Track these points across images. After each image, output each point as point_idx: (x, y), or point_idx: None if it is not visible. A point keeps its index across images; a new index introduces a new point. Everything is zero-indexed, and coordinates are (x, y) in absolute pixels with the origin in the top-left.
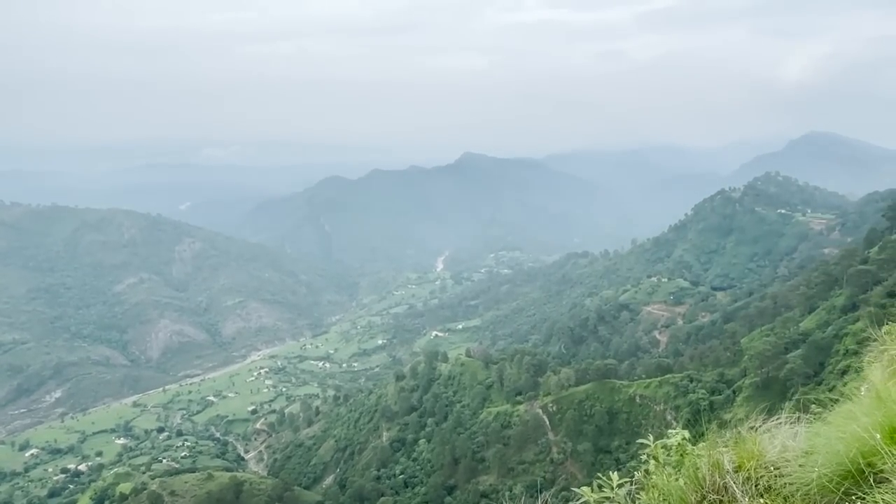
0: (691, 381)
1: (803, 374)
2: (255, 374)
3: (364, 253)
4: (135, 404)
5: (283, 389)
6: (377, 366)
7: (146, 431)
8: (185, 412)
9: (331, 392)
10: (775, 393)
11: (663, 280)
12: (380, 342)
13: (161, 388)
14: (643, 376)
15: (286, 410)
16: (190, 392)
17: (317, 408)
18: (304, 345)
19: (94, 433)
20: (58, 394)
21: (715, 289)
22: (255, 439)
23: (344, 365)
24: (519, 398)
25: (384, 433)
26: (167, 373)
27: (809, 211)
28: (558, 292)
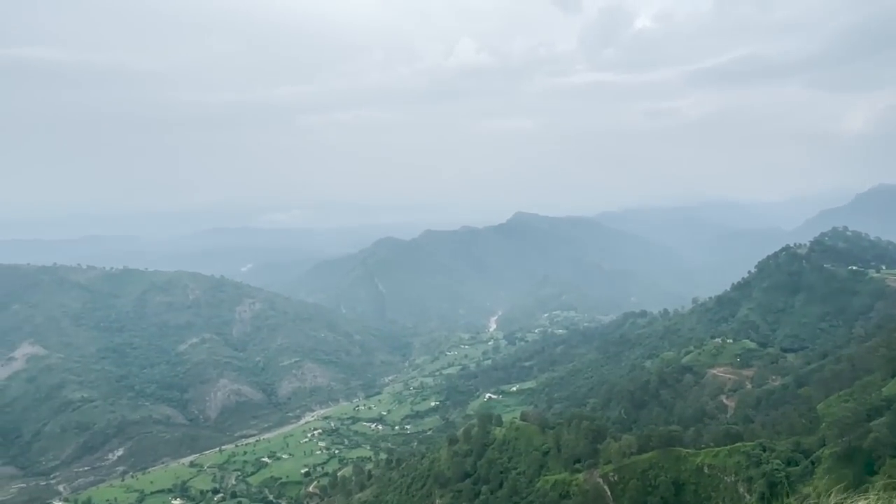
0: (764, 450)
1: (890, 445)
2: (309, 435)
3: (417, 313)
4: (192, 464)
5: (336, 451)
6: (430, 429)
7: (202, 493)
8: (239, 473)
9: (383, 455)
10: (859, 465)
11: (728, 341)
12: (432, 404)
13: (218, 448)
14: (711, 444)
15: (339, 474)
16: (245, 453)
17: (369, 471)
18: (358, 406)
19: (152, 493)
20: (120, 452)
21: (785, 350)
22: (308, 503)
23: (396, 427)
24: (578, 466)
25: (437, 500)
26: (224, 432)
27: (884, 267)
28: (616, 354)
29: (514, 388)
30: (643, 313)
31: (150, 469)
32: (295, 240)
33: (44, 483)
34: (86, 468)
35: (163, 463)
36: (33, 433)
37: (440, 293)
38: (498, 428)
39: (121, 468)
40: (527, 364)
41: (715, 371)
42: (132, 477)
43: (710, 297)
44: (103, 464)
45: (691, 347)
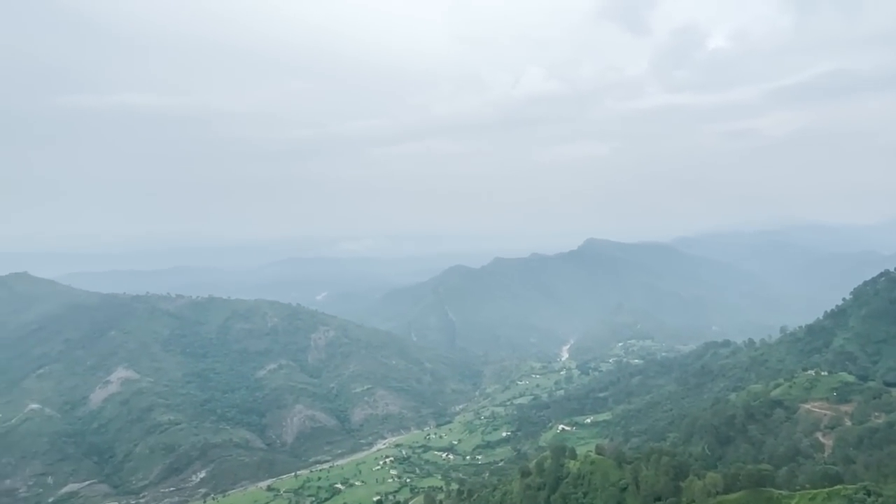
0: (869, 494)
1: None
2: (381, 462)
3: (487, 341)
4: (269, 488)
5: (408, 480)
6: (501, 459)
7: None
8: (314, 499)
9: (454, 485)
10: None
11: (823, 373)
12: (504, 434)
13: (294, 473)
14: (807, 486)
15: (410, 503)
16: (319, 478)
17: (440, 501)
18: (429, 434)
19: None
20: (202, 474)
21: (888, 384)
22: None
23: (468, 457)
24: None
25: None
26: (300, 457)
27: None
28: (697, 385)
29: (589, 420)
30: (726, 343)
31: (229, 492)
32: (367, 268)
33: (133, 502)
34: (171, 489)
35: (241, 486)
36: (125, 453)
37: (510, 321)
38: (572, 461)
39: (203, 490)
40: (601, 395)
41: (809, 406)
42: (213, 499)
43: (801, 326)
44: (187, 485)
45: (781, 380)
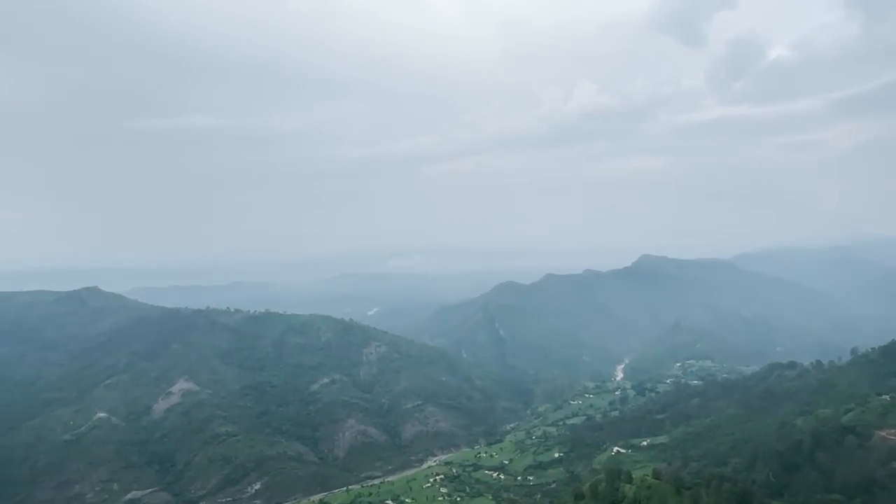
0: None
1: None
2: (431, 480)
3: (538, 359)
4: (321, 502)
5: (458, 499)
6: (553, 481)
7: None
8: None
9: None
10: None
11: None
12: (556, 455)
13: (345, 488)
14: None
15: None
16: (370, 494)
17: None
18: (479, 453)
19: None
20: (257, 486)
21: None
22: None
23: (519, 477)
24: None
25: None
26: (351, 472)
27: None
28: (761, 409)
29: (645, 443)
30: (792, 364)
31: None
32: (418, 284)
33: None
34: (228, 499)
35: (294, 499)
36: (185, 463)
37: (562, 339)
38: (628, 485)
39: (258, 501)
40: (658, 417)
41: (884, 433)
42: None
43: (874, 348)
44: (242, 496)
45: (852, 405)
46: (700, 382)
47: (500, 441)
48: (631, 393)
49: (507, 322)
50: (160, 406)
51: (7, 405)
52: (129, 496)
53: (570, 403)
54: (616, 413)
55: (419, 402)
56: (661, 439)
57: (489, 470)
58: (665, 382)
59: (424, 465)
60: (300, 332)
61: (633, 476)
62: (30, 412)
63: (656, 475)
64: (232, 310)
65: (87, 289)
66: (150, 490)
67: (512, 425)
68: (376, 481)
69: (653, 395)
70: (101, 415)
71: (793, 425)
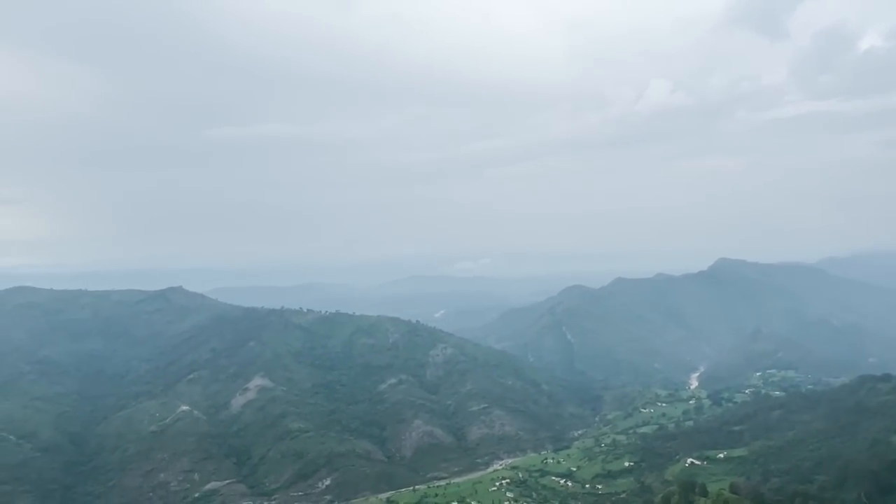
0: None
1: None
2: (497, 484)
3: (607, 365)
4: (388, 500)
5: None
6: (623, 491)
7: None
8: None
9: None
10: None
11: None
12: (626, 464)
13: (411, 487)
14: None
15: None
16: (437, 495)
17: None
18: (546, 458)
19: None
20: (328, 481)
21: None
22: None
23: (587, 486)
24: None
25: None
26: (417, 472)
27: None
28: (851, 424)
29: (721, 455)
30: (887, 377)
31: (352, 501)
32: (484, 287)
33: (266, 503)
34: (299, 493)
35: (363, 496)
36: (260, 457)
37: (633, 345)
38: (703, 498)
39: (328, 497)
40: (736, 428)
41: None
42: None
43: None
44: (314, 491)
45: None
46: (782, 393)
47: (568, 447)
48: (706, 402)
49: (575, 326)
50: (238, 401)
51: (100, 397)
52: (208, 486)
53: (640, 411)
54: (690, 423)
55: (485, 405)
56: (739, 452)
57: (556, 476)
58: (743, 392)
59: (490, 469)
60: (369, 332)
61: (709, 489)
62: (120, 404)
63: (734, 489)
64: (304, 310)
65: (172, 289)
66: (227, 481)
67: (579, 432)
68: (442, 482)
69: (730, 405)
70: (184, 408)
71: (887, 443)
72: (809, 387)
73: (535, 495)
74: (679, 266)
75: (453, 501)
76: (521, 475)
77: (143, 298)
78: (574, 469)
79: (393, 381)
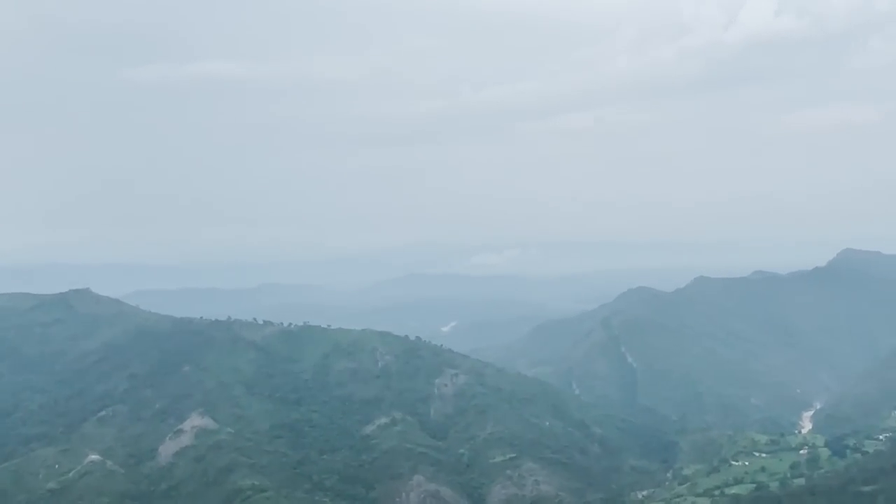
0: None
1: None
2: None
3: (684, 399)
4: None
5: None
6: None
7: None
8: None
9: None
10: None
11: None
12: None
13: None
14: None
15: None
16: None
17: None
18: None
19: None
20: None
21: None
22: None
23: None
24: None
25: None
26: None
27: None
28: None
29: None
30: None
31: None
32: (512, 291)
33: None
34: None
35: None
36: None
37: (720, 371)
38: None
39: None
40: (866, 489)
41: None
42: None
43: None
44: None
45: None
46: None
47: None
48: (824, 453)
49: (638, 345)
50: (167, 448)
51: None
52: None
53: (731, 465)
54: (801, 481)
55: (512, 455)
56: None
57: None
58: (878, 438)
59: None
60: (350, 353)
61: None
62: (4, 451)
63: None
64: (260, 321)
65: (77, 291)
66: None
67: (645, 492)
68: None
69: (858, 456)
70: (94, 457)
71: None
72: None
73: None
74: (786, 260)
75: None
76: None
77: (35, 305)
78: None
79: (383, 420)
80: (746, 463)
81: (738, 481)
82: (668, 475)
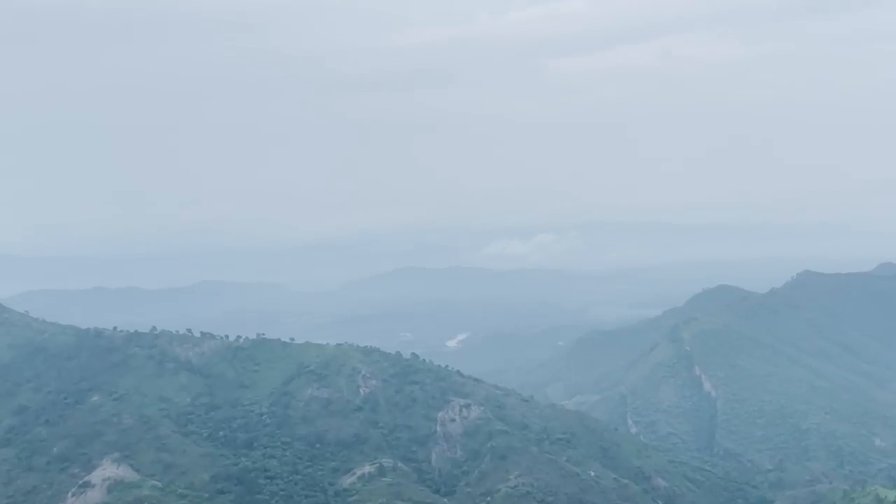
0: None
1: None
2: None
3: (782, 440)
4: None
5: None
6: None
7: None
8: None
9: None
10: None
11: None
12: None
13: None
14: None
15: None
16: None
17: None
18: None
19: None
20: None
21: None
22: None
23: None
24: None
25: None
26: None
27: None
28: None
29: None
30: None
31: None
32: (541, 291)
33: None
34: None
35: None
36: None
37: (831, 402)
38: None
39: None
40: None
41: None
42: None
43: None
44: None
45: None
46: None
47: None
48: None
49: (719, 366)
50: None
51: None
52: None
53: None
54: None
55: None
56: None
57: None
58: None
59: None
60: (320, 376)
61: None
62: None
63: None
64: (198, 334)
65: None
66: None
67: None
68: None
69: None
70: None
71: None
72: None
73: None
74: None
75: None
76: None
77: None
78: None
79: (367, 469)
80: None
81: None
82: None
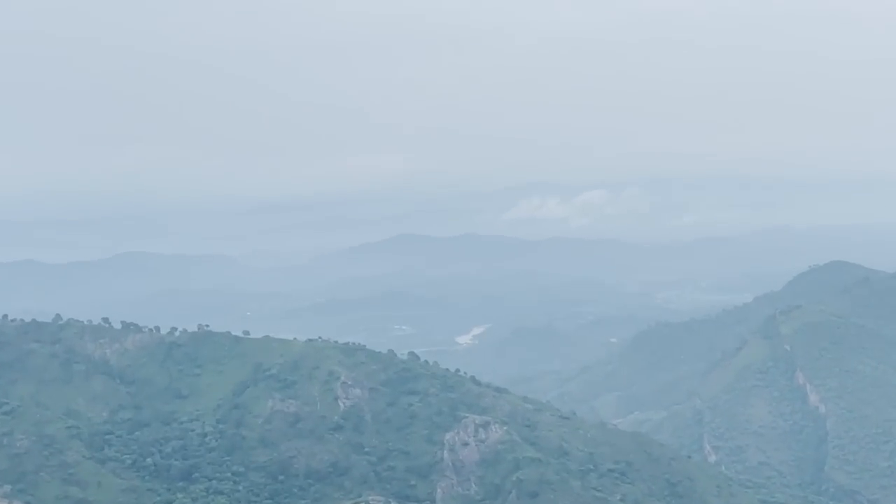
0: None
1: None
2: None
3: None
4: None
5: None
6: None
7: None
8: None
9: None
10: None
11: None
12: None
13: None
14: None
15: None
16: None
17: None
18: None
19: None
20: None
21: None
22: None
23: None
24: None
25: None
26: None
27: None
28: None
29: None
30: None
31: None
32: (587, 266)
33: None
34: None
35: None
36: None
37: None
38: None
39: None
40: None
41: None
42: None
43: None
44: None
45: None
46: None
47: None
48: None
49: (828, 372)
50: None
51: None
52: None
53: None
54: None
55: None
56: None
57: None
58: None
59: None
60: (286, 384)
61: None
62: None
63: None
64: (117, 325)
65: None
66: None
67: None
68: None
69: None
70: None
71: None
72: None
73: None
74: None
75: None
76: None
77: None
78: None
79: None
80: None
81: None
82: None
